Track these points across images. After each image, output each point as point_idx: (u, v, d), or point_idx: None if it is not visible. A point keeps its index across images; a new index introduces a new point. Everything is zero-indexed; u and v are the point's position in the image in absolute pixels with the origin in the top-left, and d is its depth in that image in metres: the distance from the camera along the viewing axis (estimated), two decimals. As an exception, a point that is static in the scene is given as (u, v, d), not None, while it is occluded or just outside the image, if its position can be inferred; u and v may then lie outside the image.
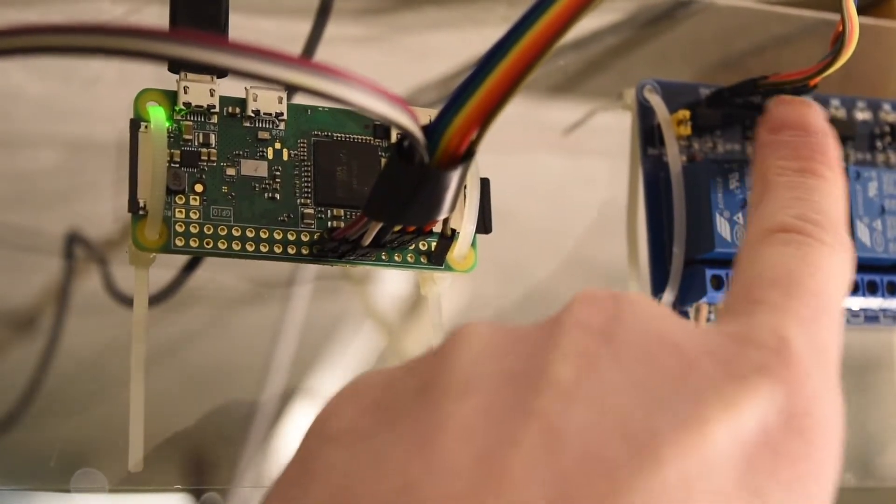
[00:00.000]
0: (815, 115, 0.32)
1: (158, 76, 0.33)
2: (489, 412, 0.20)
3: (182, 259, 0.41)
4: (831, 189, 0.29)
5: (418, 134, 0.26)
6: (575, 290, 0.23)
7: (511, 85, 0.25)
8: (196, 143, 0.33)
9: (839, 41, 0.37)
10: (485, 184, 0.35)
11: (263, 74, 0.23)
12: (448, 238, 0.34)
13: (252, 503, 0.43)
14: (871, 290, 0.41)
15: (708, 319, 0.40)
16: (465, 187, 0.34)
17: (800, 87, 0.40)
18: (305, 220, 0.34)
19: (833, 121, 0.44)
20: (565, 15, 0.24)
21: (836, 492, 0.22)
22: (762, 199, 0.28)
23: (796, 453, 0.22)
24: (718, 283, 0.39)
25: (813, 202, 0.28)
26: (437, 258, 0.35)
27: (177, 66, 0.33)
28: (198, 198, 0.33)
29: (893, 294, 0.41)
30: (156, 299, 0.41)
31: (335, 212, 0.34)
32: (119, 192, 0.34)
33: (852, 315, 0.43)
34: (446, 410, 0.21)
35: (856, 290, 0.41)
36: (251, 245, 0.33)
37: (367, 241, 0.32)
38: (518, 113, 0.44)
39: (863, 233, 0.41)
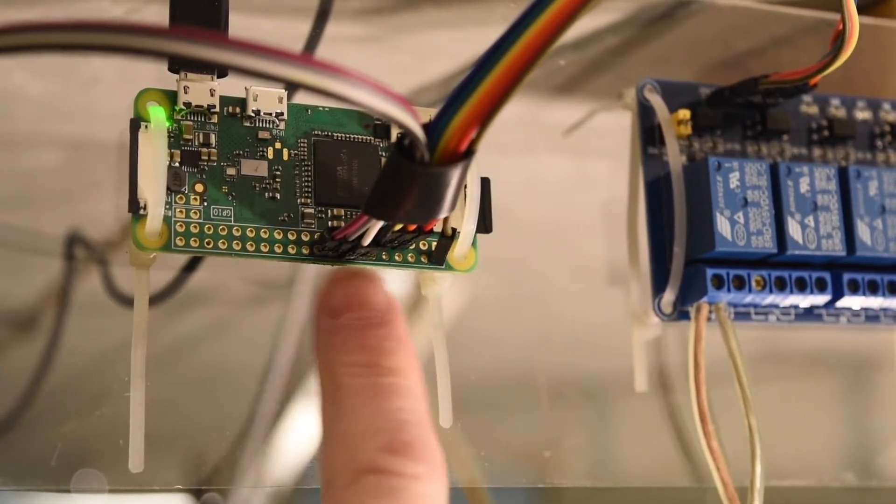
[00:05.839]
0: (374, 289, 0.28)
1: (159, 76, 0.33)
2: None
3: (182, 259, 0.41)
4: (410, 384, 0.26)
5: (419, 132, 0.26)
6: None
7: (511, 83, 0.25)
8: (196, 143, 0.33)
9: (839, 40, 0.37)
10: (485, 183, 0.35)
11: (265, 72, 0.23)
12: (448, 237, 0.34)
13: (252, 503, 0.43)
14: (872, 289, 0.41)
15: (709, 319, 0.40)
16: (466, 186, 0.34)
17: (800, 86, 0.40)
18: (306, 220, 0.34)
19: (833, 120, 0.44)
20: (564, 14, 0.24)
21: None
22: (337, 410, 0.26)
23: None
24: (719, 283, 0.39)
25: (397, 414, 0.25)
26: (437, 258, 0.35)
27: (177, 64, 0.33)
28: (198, 197, 0.33)
29: (894, 293, 0.41)
30: (156, 299, 0.41)
31: (335, 211, 0.34)
32: (119, 192, 0.33)
33: (853, 314, 0.43)
34: None
35: (856, 289, 0.41)
36: (251, 245, 0.33)
37: (368, 240, 0.32)
38: (518, 113, 0.44)
39: (863, 232, 0.41)
